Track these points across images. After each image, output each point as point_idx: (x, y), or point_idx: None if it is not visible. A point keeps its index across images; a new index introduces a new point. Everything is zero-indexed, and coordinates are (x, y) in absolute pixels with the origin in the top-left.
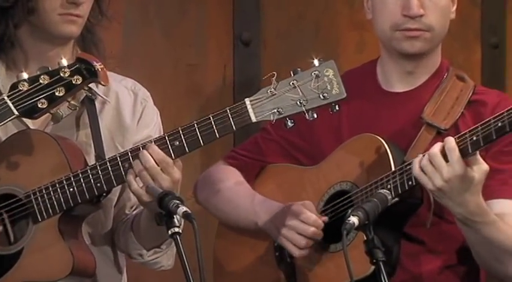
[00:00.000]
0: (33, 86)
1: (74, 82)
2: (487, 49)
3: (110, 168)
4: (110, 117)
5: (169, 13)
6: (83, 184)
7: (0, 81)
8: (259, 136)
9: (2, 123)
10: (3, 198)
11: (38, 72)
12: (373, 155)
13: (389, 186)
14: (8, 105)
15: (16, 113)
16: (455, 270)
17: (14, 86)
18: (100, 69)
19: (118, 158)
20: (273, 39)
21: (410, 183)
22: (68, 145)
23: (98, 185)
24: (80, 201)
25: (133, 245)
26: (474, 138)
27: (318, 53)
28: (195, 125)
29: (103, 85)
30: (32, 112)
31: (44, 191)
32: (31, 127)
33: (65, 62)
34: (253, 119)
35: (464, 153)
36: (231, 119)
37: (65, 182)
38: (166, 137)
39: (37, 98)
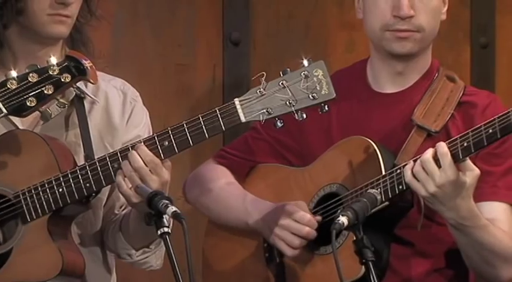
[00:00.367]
0: (22, 84)
1: (62, 80)
2: (476, 49)
3: (99, 169)
4: (99, 117)
5: (158, 13)
6: (72, 184)
7: None
8: (249, 135)
9: None
10: None
11: (27, 71)
12: (363, 157)
13: (379, 190)
14: None
15: (5, 111)
16: (445, 273)
17: (2, 84)
18: (89, 67)
19: (107, 158)
20: (263, 39)
21: (400, 187)
22: (57, 145)
23: (87, 185)
24: (69, 201)
25: (122, 245)
26: (465, 144)
27: (307, 53)
28: (185, 125)
29: (92, 83)
30: (20, 110)
31: (33, 191)
32: (20, 127)
33: (53, 60)
34: (243, 119)
35: (455, 159)
36: (220, 119)
37: (54, 182)
38: (156, 137)
39: (26, 96)
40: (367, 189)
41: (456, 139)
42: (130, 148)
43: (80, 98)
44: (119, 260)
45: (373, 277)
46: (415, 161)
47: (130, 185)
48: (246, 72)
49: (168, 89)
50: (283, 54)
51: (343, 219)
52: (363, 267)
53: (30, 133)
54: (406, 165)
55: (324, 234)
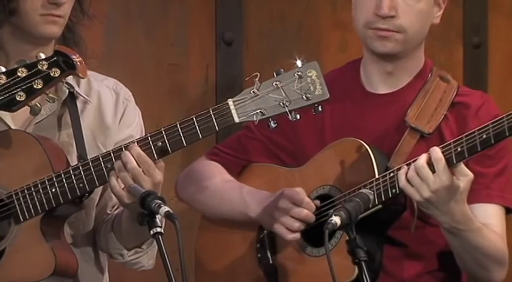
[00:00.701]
0: (11, 78)
1: (52, 74)
2: (469, 49)
3: (92, 169)
4: (91, 117)
5: (151, 13)
6: (65, 184)
7: None
8: (243, 134)
9: None
10: None
11: (16, 65)
12: (356, 159)
13: (373, 193)
14: None
15: None
16: (437, 274)
17: None
18: (78, 62)
19: (100, 159)
20: (256, 38)
21: (394, 191)
22: (50, 145)
23: (80, 185)
24: (62, 201)
25: (113, 245)
26: (459, 149)
27: (300, 52)
28: (178, 125)
29: (81, 77)
30: (10, 105)
31: (26, 192)
32: (12, 127)
33: (43, 55)
34: (236, 120)
35: (449, 164)
36: (214, 119)
37: (47, 183)
38: (149, 138)
39: (15, 91)
40: (360, 189)
41: (450, 144)
42: (123, 148)
43: (72, 98)
44: (111, 260)
45: (365, 277)
46: (408, 165)
47: (123, 186)
48: (239, 72)
49: (160, 89)
50: (276, 54)
51: (336, 219)
52: (356, 269)
53: (23, 133)
54: (400, 170)
55: (318, 236)
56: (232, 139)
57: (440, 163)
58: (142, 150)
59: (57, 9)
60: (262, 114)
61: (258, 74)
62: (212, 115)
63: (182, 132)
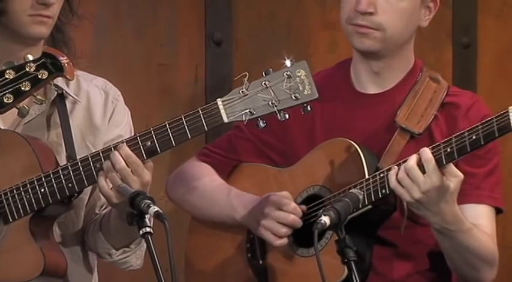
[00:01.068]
0: None
1: (39, 76)
2: (458, 49)
3: (81, 169)
4: (81, 117)
5: (140, 13)
6: (54, 185)
7: None
8: (233, 134)
9: None
10: None
11: (4, 67)
12: (347, 160)
13: (362, 193)
14: None
15: None
16: (427, 274)
17: None
18: (66, 64)
19: (89, 159)
20: (245, 39)
21: (384, 191)
22: (39, 145)
23: (69, 185)
24: (51, 201)
25: (102, 245)
26: (448, 149)
27: (289, 53)
28: (167, 125)
29: (69, 79)
30: None
31: (15, 192)
32: (1, 127)
33: (30, 57)
34: (225, 120)
35: (439, 164)
36: (203, 119)
37: (36, 183)
38: (138, 138)
39: (3, 93)
40: (350, 189)
41: (439, 145)
42: (112, 148)
43: (61, 98)
44: (100, 260)
45: (355, 276)
46: (398, 165)
47: (111, 186)
48: (229, 72)
49: (150, 89)
50: (265, 54)
51: (325, 219)
52: (346, 269)
53: (12, 133)
54: (391, 171)
55: (307, 236)
56: (222, 139)
57: (430, 164)
58: (131, 150)
59: (46, 10)
60: (251, 114)
61: (247, 73)
62: (201, 115)
63: (171, 132)
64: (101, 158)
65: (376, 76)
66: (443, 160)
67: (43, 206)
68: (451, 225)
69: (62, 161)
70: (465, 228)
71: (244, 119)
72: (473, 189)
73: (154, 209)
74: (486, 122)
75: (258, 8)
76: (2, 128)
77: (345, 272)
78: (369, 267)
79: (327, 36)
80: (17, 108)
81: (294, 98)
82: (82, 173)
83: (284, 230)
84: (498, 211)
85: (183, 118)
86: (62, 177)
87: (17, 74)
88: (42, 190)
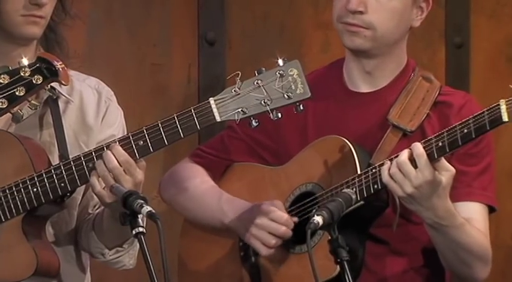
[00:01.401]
0: None
1: (34, 82)
2: (451, 49)
3: (73, 168)
4: (73, 117)
5: (133, 12)
6: (47, 184)
7: None
8: (225, 134)
9: None
10: None
11: None
12: (339, 157)
13: (354, 189)
14: None
15: None
16: (420, 271)
17: None
18: (61, 69)
19: (82, 158)
20: (238, 38)
21: (376, 186)
22: (32, 145)
23: (62, 185)
24: (43, 201)
25: (95, 244)
26: (440, 143)
27: (282, 53)
28: (160, 124)
29: (64, 85)
30: None
31: (7, 191)
32: None
33: (25, 62)
34: (218, 119)
35: (431, 159)
36: (195, 118)
37: (28, 182)
38: (131, 137)
39: None
40: (342, 189)
41: (431, 139)
42: (105, 148)
43: (54, 98)
44: (93, 260)
45: (348, 277)
46: (391, 160)
47: (104, 185)
48: (222, 72)
49: (143, 89)
50: (258, 54)
51: (318, 219)
52: (338, 266)
53: (5, 133)
54: (383, 166)
55: (299, 233)
56: (215, 139)
57: (422, 158)
58: (124, 150)
59: (38, 10)
60: (244, 113)
61: (240, 73)
62: (193, 114)
63: (164, 131)
64: (93, 157)
65: (368, 75)
66: (435, 154)
67: (36, 205)
68: (444, 220)
69: (55, 160)
70: (457, 224)
71: (236, 118)
72: (465, 187)
73: (147, 208)
74: (478, 115)
75: (251, 8)
76: None
77: (337, 268)
78: (361, 263)
79: (320, 36)
80: (11, 113)
81: (286, 97)
82: (75, 172)
83: (274, 241)
84: (491, 210)
85: (175, 117)
86: (55, 176)
87: (12, 79)
88: (35, 190)
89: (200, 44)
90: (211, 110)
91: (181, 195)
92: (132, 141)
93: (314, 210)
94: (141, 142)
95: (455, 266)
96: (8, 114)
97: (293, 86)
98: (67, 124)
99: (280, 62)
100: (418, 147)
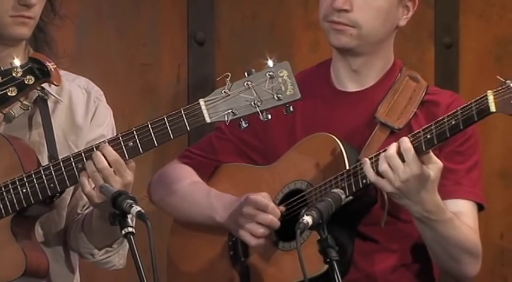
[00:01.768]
0: None
1: (26, 82)
2: (440, 49)
3: (63, 169)
4: (63, 117)
5: (123, 12)
6: (36, 185)
7: None
8: (214, 135)
9: None
10: None
11: None
12: (327, 154)
13: (343, 184)
14: None
15: None
16: (409, 269)
17: None
18: (53, 69)
19: (71, 159)
20: (227, 38)
21: (364, 181)
22: (21, 145)
23: (51, 185)
24: (33, 201)
25: (84, 245)
26: (428, 136)
27: (272, 53)
28: (149, 125)
29: (56, 85)
30: None
31: None
32: None
33: (17, 62)
34: (208, 120)
35: (419, 152)
36: (185, 119)
37: (17, 183)
38: (120, 138)
39: None
40: (332, 189)
41: (419, 132)
42: (94, 148)
43: (43, 98)
44: (82, 260)
45: (337, 276)
46: (376, 156)
47: (93, 185)
48: (211, 72)
49: (132, 89)
50: (248, 54)
51: (307, 219)
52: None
53: None
54: (366, 162)
55: (288, 230)
56: (203, 141)
57: (410, 153)
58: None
59: (27, 11)
60: (234, 114)
61: (229, 74)
62: (183, 115)
63: (153, 132)
64: (82, 158)
65: (355, 74)
66: (423, 147)
67: (25, 206)
68: (432, 215)
69: (44, 160)
70: (446, 218)
71: (226, 119)
72: (454, 185)
73: (136, 208)
74: (465, 106)
75: (240, 7)
76: None
77: (326, 265)
78: (351, 259)
79: (309, 36)
80: (2, 113)
81: (276, 98)
82: (64, 173)
83: (261, 231)
84: (479, 208)
85: (165, 118)
86: (44, 177)
87: (4, 80)
88: (24, 190)
89: (189, 43)
90: (201, 111)
91: (171, 196)
92: (121, 142)
93: (303, 210)
94: (131, 143)
95: (445, 261)
96: (0, 114)
97: (283, 88)
98: (56, 124)
99: (270, 63)
100: (406, 142)
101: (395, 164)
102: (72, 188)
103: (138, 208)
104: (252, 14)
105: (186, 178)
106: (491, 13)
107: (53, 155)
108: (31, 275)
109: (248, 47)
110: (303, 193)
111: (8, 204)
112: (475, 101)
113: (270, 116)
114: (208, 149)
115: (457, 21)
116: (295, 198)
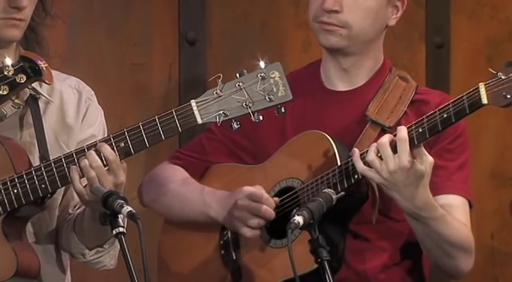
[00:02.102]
0: None
1: (18, 81)
2: (431, 49)
3: (54, 170)
4: (54, 117)
5: (114, 12)
6: (27, 185)
7: None
8: (204, 136)
9: None
10: None
11: None
12: (319, 150)
13: (334, 180)
14: None
15: None
16: (399, 268)
17: None
18: (44, 68)
19: (63, 159)
20: (219, 38)
21: (356, 176)
22: (12, 145)
23: (43, 186)
24: (24, 202)
25: (75, 244)
26: (420, 130)
27: (263, 52)
28: (141, 126)
29: (47, 84)
30: None
31: None
32: None
33: (8, 61)
34: (199, 121)
35: (410, 145)
36: (176, 120)
37: (9, 183)
38: (112, 138)
39: None
40: (323, 186)
41: (411, 125)
42: (86, 149)
43: (34, 98)
44: (74, 260)
45: (328, 276)
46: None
47: (85, 183)
48: (202, 72)
49: (123, 88)
50: (239, 54)
51: (298, 219)
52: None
53: None
54: (355, 153)
55: (279, 227)
56: (194, 142)
57: (404, 143)
58: None
59: (18, 13)
60: (225, 115)
61: (221, 75)
62: (175, 116)
63: (145, 133)
64: (74, 158)
65: (344, 73)
66: (415, 140)
67: (16, 206)
68: (423, 211)
69: (35, 161)
70: (438, 215)
71: (218, 120)
72: (445, 181)
73: (127, 209)
74: (457, 99)
75: (231, 7)
76: None
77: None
78: (342, 255)
79: (301, 36)
80: None
81: (268, 99)
82: (55, 173)
83: (256, 221)
84: (469, 206)
85: (156, 119)
86: (35, 178)
87: None
88: (15, 191)
89: (181, 43)
90: (193, 112)
91: (163, 196)
92: (113, 142)
93: (295, 210)
94: (122, 144)
95: (439, 257)
96: None
97: (274, 89)
98: (47, 124)
99: (262, 64)
100: (403, 131)
101: (385, 153)
102: (63, 188)
103: (129, 208)
104: (243, 13)
105: (177, 178)
106: (482, 13)
107: (44, 155)
108: (22, 276)
109: (239, 46)
110: (295, 190)
111: None
112: (466, 94)
113: (261, 117)
114: (199, 150)
115: (448, 21)
116: (287, 195)
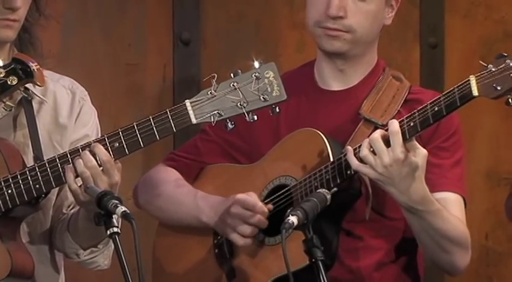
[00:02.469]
0: None
1: (9, 82)
2: (425, 49)
3: (48, 170)
4: (48, 117)
5: (108, 12)
6: (22, 186)
7: None
8: (198, 137)
9: None
10: None
11: None
12: (312, 148)
13: (327, 177)
14: None
15: None
16: (394, 266)
17: None
18: (36, 70)
19: (57, 160)
20: (213, 38)
21: (348, 172)
22: (6, 146)
23: (37, 186)
24: (18, 203)
25: (69, 244)
26: (411, 123)
27: (258, 53)
28: (135, 126)
29: (39, 86)
30: None
31: None
32: None
33: (0, 63)
34: (194, 121)
35: (403, 139)
36: (171, 120)
37: (3, 184)
38: (106, 138)
39: None
40: (316, 182)
41: (403, 120)
42: (80, 149)
43: (28, 99)
44: (67, 260)
45: (322, 277)
46: (360, 146)
47: (80, 184)
48: (197, 72)
49: (118, 89)
50: (233, 54)
51: (293, 219)
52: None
53: None
54: (348, 150)
55: (273, 225)
56: (188, 144)
57: (397, 136)
58: None
59: (12, 14)
60: (220, 115)
61: (216, 75)
62: (169, 116)
63: (139, 133)
64: (68, 159)
65: (340, 73)
66: (407, 134)
67: (10, 207)
68: (419, 205)
69: (29, 161)
70: (434, 209)
71: (212, 120)
72: (439, 178)
73: (121, 209)
74: (448, 92)
75: (226, 7)
76: None
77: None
78: (336, 251)
79: (295, 36)
80: None
81: (262, 99)
82: (49, 174)
83: (249, 230)
84: (464, 204)
85: (151, 119)
86: (29, 178)
87: None
88: (9, 191)
89: (175, 43)
90: (187, 112)
91: (157, 198)
92: (107, 143)
93: (289, 210)
94: (117, 144)
95: (435, 253)
96: None
97: (269, 89)
98: (41, 125)
99: (256, 64)
100: (395, 125)
101: (378, 148)
102: (57, 188)
103: (124, 208)
104: (238, 14)
105: (171, 181)
106: (476, 13)
107: (38, 155)
108: (16, 276)
109: (234, 47)
110: (288, 187)
111: None
112: (457, 86)
113: (256, 117)
114: (193, 151)
115: (443, 21)
116: (281, 192)
